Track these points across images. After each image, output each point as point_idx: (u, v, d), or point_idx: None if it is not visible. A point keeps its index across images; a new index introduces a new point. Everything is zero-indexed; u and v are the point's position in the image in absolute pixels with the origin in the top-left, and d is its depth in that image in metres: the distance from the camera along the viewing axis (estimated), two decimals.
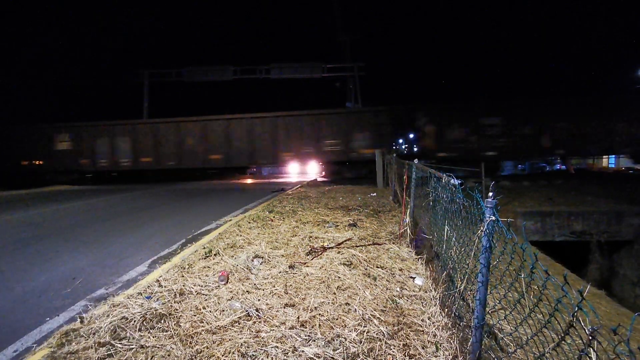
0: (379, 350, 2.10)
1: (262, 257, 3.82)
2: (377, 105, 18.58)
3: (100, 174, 19.09)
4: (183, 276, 3.36)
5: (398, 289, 3.04)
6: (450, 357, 2.05)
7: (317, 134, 16.65)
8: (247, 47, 44.65)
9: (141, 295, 2.95)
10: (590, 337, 0.97)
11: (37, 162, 18.35)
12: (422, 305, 2.74)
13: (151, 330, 2.36)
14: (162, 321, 2.47)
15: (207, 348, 2.14)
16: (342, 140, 16.49)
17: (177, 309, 2.65)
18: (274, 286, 3.07)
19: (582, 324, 1.06)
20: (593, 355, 1.00)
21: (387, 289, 3.04)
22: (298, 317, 2.48)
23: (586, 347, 0.99)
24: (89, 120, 18.77)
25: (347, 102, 23.57)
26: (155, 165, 17.97)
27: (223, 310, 2.62)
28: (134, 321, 2.44)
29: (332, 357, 2.02)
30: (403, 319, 2.51)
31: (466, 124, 15.87)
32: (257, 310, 2.60)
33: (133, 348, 2.15)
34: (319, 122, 16.70)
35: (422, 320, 2.48)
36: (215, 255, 3.99)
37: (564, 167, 24.32)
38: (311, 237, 4.75)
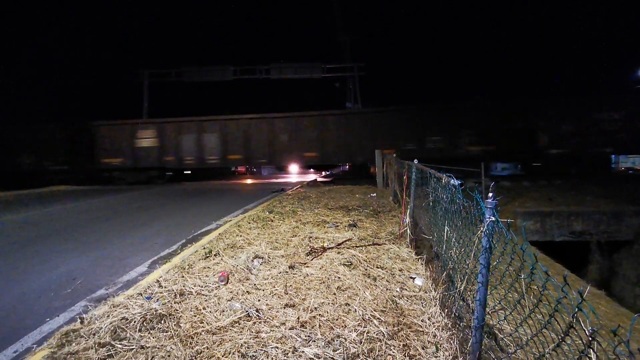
0: (379, 351, 2.10)
1: (262, 258, 3.82)
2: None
3: (181, 171, 18.82)
4: (183, 276, 3.36)
5: (398, 290, 3.04)
6: (450, 357, 2.05)
7: (420, 130, 16.08)
8: (247, 47, 44.59)
9: (141, 295, 2.96)
10: (590, 338, 0.97)
11: (118, 160, 17.77)
12: (422, 306, 2.74)
13: (151, 331, 2.36)
14: (162, 322, 2.47)
15: (207, 349, 2.14)
16: (447, 137, 15.94)
17: (177, 310, 2.65)
18: (274, 286, 3.08)
19: (582, 325, 1.06)
20: (593, 356, 1.01)
21: (387, 289, 3.04)
22: (298, 318, 2.48)
23: (586, 348, 0.99)
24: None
25: (347, 102, 23.57)
26: (244, 163, 17.70)
27: (223, 311, 2.62)
28: (134, 322, 2.44)
29: (332, 358, 2.02)
30: (403, 319, 2.51)
31: (579, 118, 15.34)
32: (257, 310, 2.60)
33: (133, 349, 2.15)
34: (423, 118, 16.15)
35: (422, 321, 2.48)
36: (215, 255, 3.99)
37: None
38: (311, 237, 4.75)
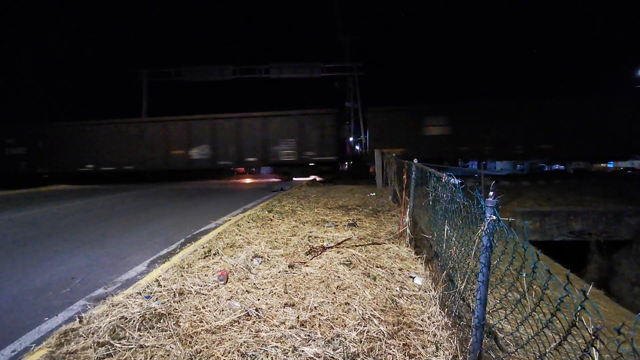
0: (379, 350, 2.10)
1: (262, 257, 3.82)
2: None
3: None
4: (182, 276, 3.35)
5: (398, 289, 3.04)
6: (451, 356, 2.05)
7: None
8: (247, 47, 44.51)
9: (140, 294, 2.95)
10: (593, 337, 0.96)
11: (399, 150, 15.09)
12: (422, 305, 2.74)
13: (150, 330, 2.35)
14: (162, 321, 2.46)
15: (207, 348, 2.13)
16: None
17: (176, 309, 2.64)
18: (274, 286, 3.07)
19: (585, 324, 1.05)
20: (595, 355, 1.00)
21: (386, 288, 3.03)
22: (298, 317, 2.47)
23: (589, 347, 0.98)
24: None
25: (347, 102, 23.56)
26: (553, 154, 15.52)
27: (222, 310, 2.61)
28: (133, 321, 2.43)
29: (332, 357, 2.01)
30: (403, 318, 2.50)
31: None
32: (256, 309, 2.59)
33: (132, 348, 2.14)
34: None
35: (422, 320, 2.47)
36: (214, 254, 3.99)
37: (562, 167, 24.33)
38: (310, 236, 4.75)
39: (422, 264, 3.68)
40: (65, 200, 10.46)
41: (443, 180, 3.00)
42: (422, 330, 2.35)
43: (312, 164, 16.66)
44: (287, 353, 2.06)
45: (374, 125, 16.15)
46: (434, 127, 15.53)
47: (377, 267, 3.56)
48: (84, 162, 17.34)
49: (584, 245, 7.71)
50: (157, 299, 2.83)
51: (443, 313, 2.55)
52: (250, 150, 16.75)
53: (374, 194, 9.73)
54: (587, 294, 1.00)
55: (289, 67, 22.13)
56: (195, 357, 2.05)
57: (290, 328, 2.33)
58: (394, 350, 2.11)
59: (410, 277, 3.33)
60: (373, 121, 16.19)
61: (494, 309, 2.09)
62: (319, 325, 2.38)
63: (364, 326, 2.36)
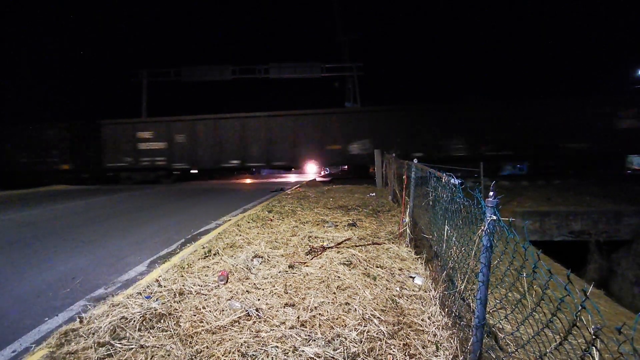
0: (379, 350, 2.10)
1: (262, 257, 3.82)
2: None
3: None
4: (182, 276, 3.35)
5: (398, 289, 3.04)
6: (451, 356, 2.05)
7: None
8: (247, 47, 44.52)
9: (141, 295, 2.95)
10: (593, 337, 0.97)
11: (582, 145, 14.79)
12: (422, 305, 2.74)
13: (151, 330, 2.35)
14: (162, 321, 2.47)
15: (207, 348, 2.13)
16: None
17: (176, 309, 2.64)
18: (274, 286, 3.07)
19: (585, 323, 1.05)
20: (596, 355, 1.00)
21: (386, 288, 3.04)
22: (298, 317, 2.47)
23: (590, 347, 0.99)
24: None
25: (346, 102, 23.58)
26: None
27: (223, 310, 2.61)
28: (134, 321, 2.43)
29: (332, 357, 2.01)
30: (403, 318, 2.51)
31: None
32: (257, 310, 2.59)
33: (133, 348, 2.14)
34: None
35: (422, 320, 2.48)
36: (214, 255, 3.99)
37: None
38: (311, 236, 4.75)
39: (422, 264, 3.68)
40: (65, 200, 10.45)
41: (443, 181, 3.00)
42: (422, 330, 2.35)
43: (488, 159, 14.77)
44: (287, 353, 2.06)
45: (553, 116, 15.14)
46: (628, 120, 14.60)
47: (377, 267, 3.56)
48: (229, 158, 16.63)
49: (583, 245, 7.72)
50: (157, 299, 2.83)
51: (443, 313, 2.55)
52: (418, 144, 15.61)
53: (374, 194, 9.73)
54: (588, 293, 1.01)
55: (288, 67, 22.16)
56: (195, 357, 2.05)
57: (290, 328, 2.34)
58: (394, 350, 2.11)
59: (411, 277, 3.34)
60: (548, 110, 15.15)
61: (494, 309, 2.09)
62: (319, 325, 2.38)
63: (364, 326, 2.36)
